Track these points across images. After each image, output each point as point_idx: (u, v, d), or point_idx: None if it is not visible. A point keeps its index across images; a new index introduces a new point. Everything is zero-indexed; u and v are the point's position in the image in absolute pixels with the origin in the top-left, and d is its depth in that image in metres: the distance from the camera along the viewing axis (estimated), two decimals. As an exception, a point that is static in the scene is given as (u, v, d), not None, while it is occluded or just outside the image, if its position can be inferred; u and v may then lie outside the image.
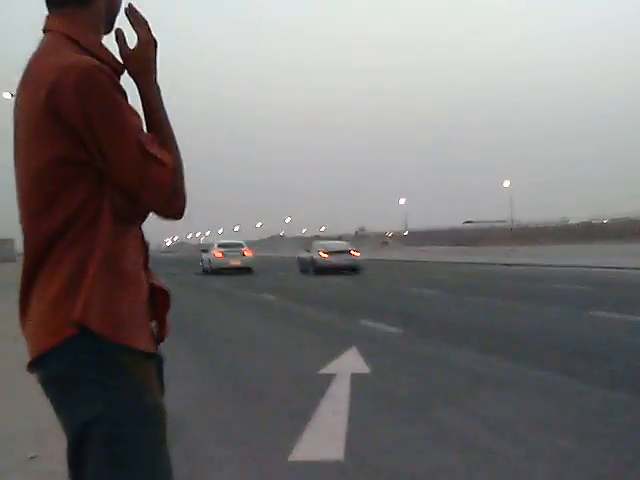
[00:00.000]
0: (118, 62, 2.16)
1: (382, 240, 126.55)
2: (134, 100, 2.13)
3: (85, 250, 2.02)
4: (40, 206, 2.04)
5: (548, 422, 6.29)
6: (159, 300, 2.21)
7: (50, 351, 2.01)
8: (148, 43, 2.17)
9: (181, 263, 56.48)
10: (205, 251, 42.61)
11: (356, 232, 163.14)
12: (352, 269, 36.44)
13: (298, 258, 41.25)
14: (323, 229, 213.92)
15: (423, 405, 7.06)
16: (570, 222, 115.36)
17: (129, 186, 2.03)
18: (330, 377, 8.41)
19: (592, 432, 5.92)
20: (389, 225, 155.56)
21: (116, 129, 2.00)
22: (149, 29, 2.18)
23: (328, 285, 28.02)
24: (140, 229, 2.19)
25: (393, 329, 13.00)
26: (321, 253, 36.96)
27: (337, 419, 6.46)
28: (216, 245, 41.08)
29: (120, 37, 2.18)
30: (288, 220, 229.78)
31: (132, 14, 2.17)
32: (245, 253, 39.98)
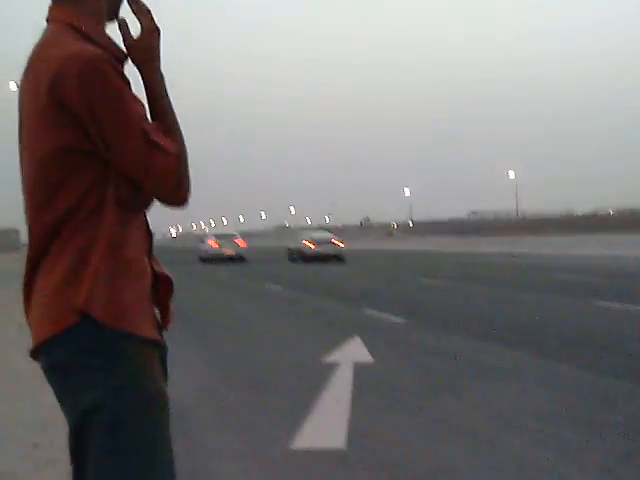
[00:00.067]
0: (122, 51, 2.15)
1: (387, 231, 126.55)
2: (138, 89, 2.14)
3: (88, 239, 2.02)
4: (44, 196, 2.05)
5: (551, 412, 6.30)
6: (162, 287, 2.21)
7: (52, 339, 2.02)
8: (151, 31, 2.17)
9: (186, 251, 56.88)
10: (202, 241, 45.25)
11: (361, 223, 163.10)
12: (336, 258, 38.28)
13: (287, 248, 43.59)
14: (328, 220, 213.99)
15: (426, 395, 7.08)
16: (575, 214, 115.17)
17: (134, 175, 2.03)
18: (333, 366, 8.43)
19: (594, 422, 5.93)
20: (394, 216, 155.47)
21: (119, 118, 2.00)
22: (152, 17, 2.17)
23: (333, 274, 28.04)
24: (145, 217, 2.19)
25: (397, 319, 13.02)
26: (307, 243, 39.32)
27: (339, 408, 6.48)
28: (212, 236, 44.42)
29: (123, 26, 2.18)
30: (292, 211, 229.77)
31: (135, 3, 2.17)
32: (238, 243, 42.61)
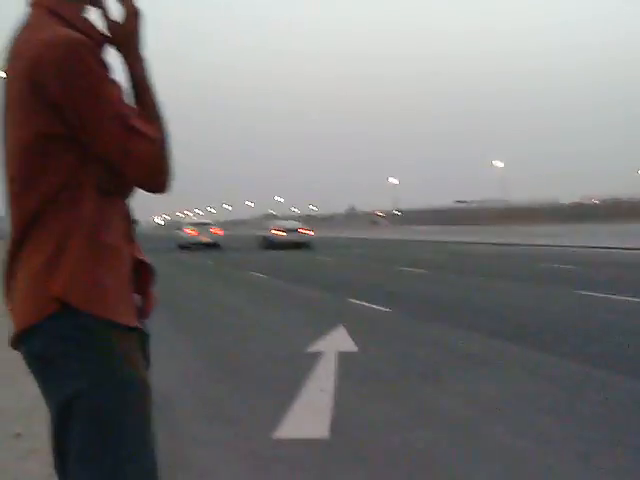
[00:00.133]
0: (102, 35, 2.14)
1: (372, 219, 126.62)
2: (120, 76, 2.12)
3: (66, 226, 2.02)
4: (25, 183, 2.04)
5: (531, 399, 6.35)
6: (143, 274, 2.21)
7: (32, 328, 2.02)
8: (133, 15, 2.16)
9: (172, 239, 56.82)
10: (181, 230, 48.77)
11: (347, 212, 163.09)
12: (303, 245, 41.24)
13: (258, 236, 46.29)
14: (314, 208, 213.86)
15: (409, 383, 7.11)
16: (561, 203, 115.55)
17: (112, 159, 2.02)
18: (317, 355, 8.45)
19: (574, 410, 5.99)
20: (380, 204, 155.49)
21: (98, 103, 1.99)
22: (133, 1, 2.16)
23: (319, 264, 28.06)
24: (125, 202, 2.18)
25: (381, 308, 13.05)
26: (276, 231, 42.42)
27: (323, 397, 6.50)
28: (189, 224, 48.28)
29: (104, 10, 2.17)
30: (279, 199, 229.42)
31: None
32: (214, 231, 46.41)
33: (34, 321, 2.02)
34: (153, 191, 2.12)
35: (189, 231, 45.94)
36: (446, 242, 46.57)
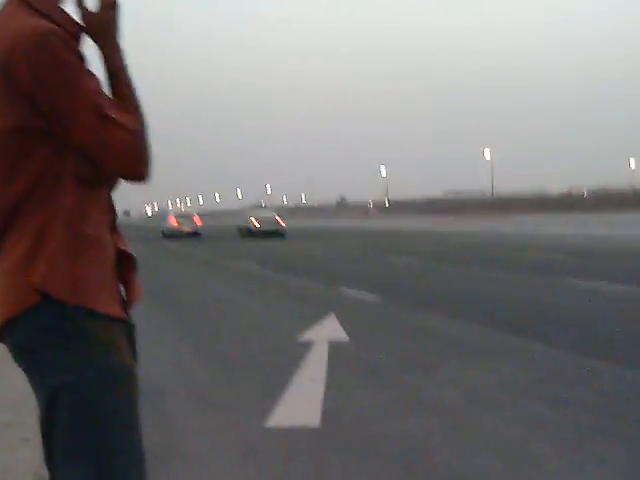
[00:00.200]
0: (77, 25, 2.10)
1: (363, 210, 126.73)
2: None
3: (46, 217, 2.00)
4: (2, 175, 2.02)
5: (522, 388, 6.35)
6: (125, 265, 2.18)
7: (14, 319, 2.00)
8: (109, 5, 2.12)
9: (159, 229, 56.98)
10: (165, 220, 51.80)
11: (337, 202, 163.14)
12: (278, 234, 43.77)
13: (237, 225, 49.15)
14: (304, 198, 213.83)
15: (400, 372, 7.10)
16: (550, 193, 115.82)
17: (88, 150, 1.99)
18: (308, 344, 8.44)
19: (565, 398, 5.98)
20: (370, 194, 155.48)
21: (71, 94, 1.96)
22: None
23: (309, 252, 28.06)
24: (107, 192, 2.15)
25: (372, 297, 13.05)
26: (253, 221, 45.27)
27: (314, 386, 6.49)
28: (171, 214, 51.96)
29: (80, 0, 2.14)
30: (269, 189, 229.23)
31: None
32: (195, 222, 49.40)
33: (16, 312, 2.00)
34: (132, 180, 2.10)
35: (172, 221, 48.95)
36: (436, 232, 46.63)
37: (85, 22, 2.12)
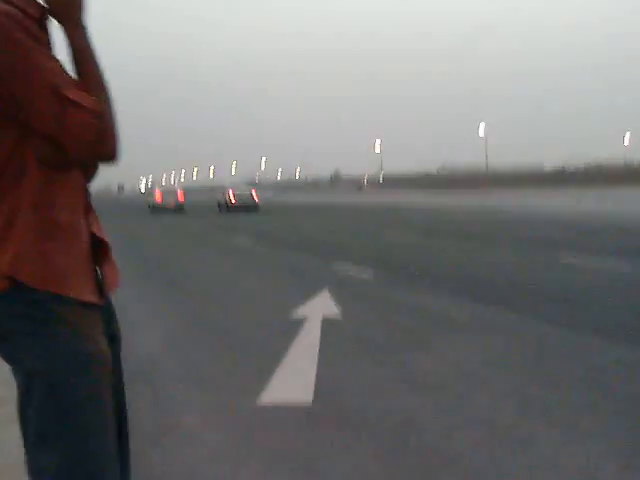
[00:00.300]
0: (37, 5, 2.04)
1: (357, 185, 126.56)
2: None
3: (12, 203, 1.97)
4: None
5: (514, 364, 6.36)
6: (98, 250, 2.14)
7: None
8: None
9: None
10: (151, 195, 56.26)
11: (331, 177, 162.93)
12: (253, 208, 47.64)
13: (217, 200, 52.85)
14: (298, 171, 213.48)
15: (393, 349, 7.10)
16: (544, 168, 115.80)
17: (48, 132, 1.95)
18: (301, 321, 8.43)
19: (558, 375, 6.00)
20: (364, 169, 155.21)
21: (26, 75, 1.91)
22: None
23: (302, 228, 28.04)
24: (79, 175, 2.10)
25: (366, 273, 13.05)
26: (231, 196, 49.31)
27: (307, 363, 6.48)
28: (157, 189, 56.02)
29: None
30: (262, 165, 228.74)
31: None
32: (178, 197, 52.40)
33: None
34: (98, 162, 2.06)
35: (157, 197, 52.65)
36: (431, 207, 46.62)
37: (47, 2, 2.06)
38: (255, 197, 49.73)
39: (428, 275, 12.79)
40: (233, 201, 48.89)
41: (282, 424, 4.97)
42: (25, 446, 2.06)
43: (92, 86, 2.01)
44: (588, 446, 4.45)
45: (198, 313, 9.57)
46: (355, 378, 6.07)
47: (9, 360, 2.04)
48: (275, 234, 25.61)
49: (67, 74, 2.00)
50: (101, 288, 2.12)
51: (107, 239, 2.19)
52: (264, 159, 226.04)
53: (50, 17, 2.07)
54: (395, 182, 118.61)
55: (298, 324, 8.22)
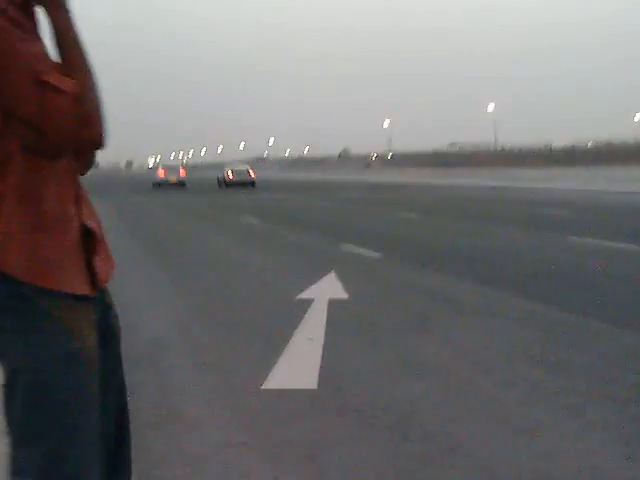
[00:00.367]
0: None
1: (366, 162, 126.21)
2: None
3: None
4: None
5: (522, 350, 6.32)
6: (88, 242, 2.08)
7: None
8: None
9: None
10: (154, 171, 61.53)
11: (339, 154, 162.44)
12: (250, 184, 50.94)
13: (217, 177, 56.02)
14: (307, 150, 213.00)
15: (399, 332, 7.07)
16: (553, 146, 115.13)
17: (28, 118, 1.90)
18: (308, 302, 8.41)
19: (564, 361, 5.96)
20: (374, 146, 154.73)
21: (5, 61, 1.87)
22: None
23: (309, 207, 27.98)
24: (69, 162, 2.05)
25: (374, 253, 13.01)
26: (228, 173, 52.89)
27: (312, 346, 6.46)
28: (160, 167, 60.75)
29: None
30: (271, 141, 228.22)
31: None
32: (181, 172, 57.19)
33: None
34: (84, 147, 2.01)
35: (160, 172, 56.91)
36: (439, 185, 46.49)
37: None
38: (252, 174, 52.88)
39: (436, 255, 12.75)
40: (231, 177, 52.26)
41: (286, 409, 4.95)
42: (8, 441, 2.03)
43: (75, 70, 1.96)
44: (592, 436, 4.43)
45: (203, 293, 9.53)
46: (360, 362, 6.04)
47: None
48: (282, 213, 25.53)
49: (49, 59, 1.96)
50: (94, 279, 2.07)
51: (100, 230, 2.13)
52: (272, 139, 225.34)
53: (34, 1, 2.02)
54: (404, 160, 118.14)
55: (305, 306, 8.20)
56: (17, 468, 1.97)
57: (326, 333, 6.93)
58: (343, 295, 8.91)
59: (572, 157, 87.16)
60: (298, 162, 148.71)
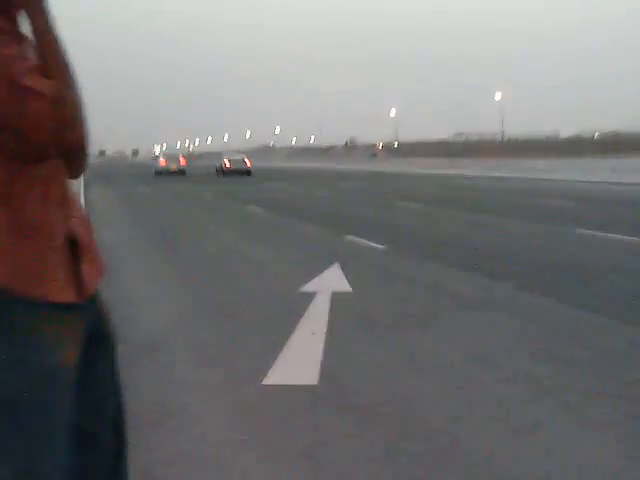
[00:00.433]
0: None
1: (372, 151, 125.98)
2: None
3: None
4: None
5: (524, 347, 6.29)
6: (74, 247, 2.02)
7: None
8: None
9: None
10: (156, 160, 64.63)
11: (346, 143, 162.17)
12: (245, 172, 54.00)
13: (215, 166, 58.87)
14: (313, 139, 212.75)
15: (401, 327, 7.04)
16: (560, 136, 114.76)
17: (7, 122, 1.85)
18: (311, 295, 8.39)
19: (567, 358, 5.92)
20: (379, 136, 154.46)
21: None
22: None
23: (313, 197, 27.94)
24: (54, 166, 2.00)
25: (377, 245, 12.98)
26: (226, 162, 55.66)
27: (314, 341, 6.44)
28: (162, 156, 65.74)
29: None
30: (278, 130, 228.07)
31: None
32: (181, 161, 60.99)
33: None
34: (66, 150, 1.95)
35: (161, 161, 60.79)
36: (445, 175, 46.39)
37: None
38: (248, 163, 55.97)
39: (442, 248, 12.71)
40: (228, 166, 55.15)
41: (286, 406, 4.94)
42: None
43: (55, 72, 1.91)
44: (593, 434, 4.40)
45: (206, 286, 9.51)
46: (362, 358, 6.01)
47: None
48: (286, 203, 25.49)
49: (27, 60, 1.91)
50: (80, 286, 2.01)
51: (89, 234, 2.08)
52: (278, 128, 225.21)
53: (12, 3, 1.98)
54: (410, 149, 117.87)
55: (308, 298, 8.18)
56: None
57: (328, 327, 6.90)
58: (347, 288, 8.88)
59: (579, 147, 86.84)
60: (304, 151, 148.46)
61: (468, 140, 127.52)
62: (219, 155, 62.07)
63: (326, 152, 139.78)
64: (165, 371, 5.77)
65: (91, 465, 2.10)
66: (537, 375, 5.50)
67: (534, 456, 4.09)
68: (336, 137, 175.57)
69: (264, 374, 5.52)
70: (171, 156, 64.31)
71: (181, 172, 57.79)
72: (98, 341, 2.09)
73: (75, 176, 2.11)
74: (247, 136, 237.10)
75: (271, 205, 23.53)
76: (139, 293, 9.14)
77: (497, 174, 44.39)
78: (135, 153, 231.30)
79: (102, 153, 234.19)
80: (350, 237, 14.25)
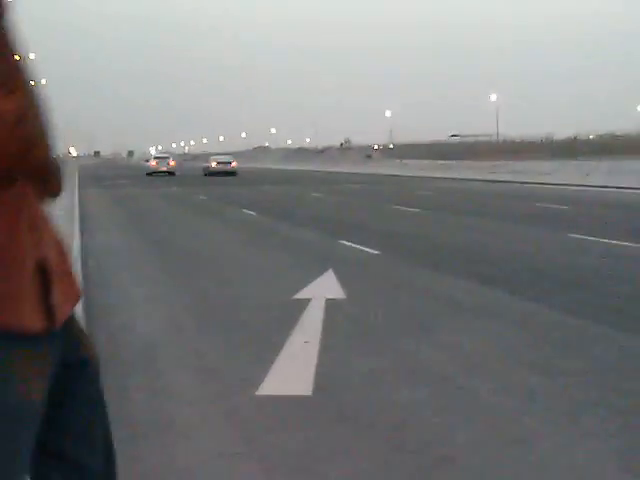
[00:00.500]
0: None
1: (366, 153, 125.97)
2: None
3: None
4: None
5: (519, 354, 6.28)
6: (44, 274, 1.88)
7: None
8: None
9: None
10: (147, 161, 69.38)
11: (341, 144, 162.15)
12: (231, 172, 57.94)
13: (202, 166, 63.63)
14: (308, 141, 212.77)
15: (395, 335, 7.02)
16: (555, 138, 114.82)
17: None
18: (305, 302, 8.37)
19: (561, 367, 5.91)
20: (375, 138, 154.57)
21: None
22: None
23: (308, 201, 27.91)
24: (24, 186, 1.87)
25: (372, 250, 12.96)
26: (212, 163, 59.94)
27: (308, 350, 6.42)
28: (152, 157, 69.82)
29: None
30: (273, 131, 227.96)
31: None
32: (170, 163, 63.46)
33: None
34: (30, 172, 1.82)
35: (152, 162, 64.10)
36: (439, 178, 46.39)
37: None
38: (233, 164, 60.20)
39: (436, 253, 12.70)
40: (214, 166, 59.18)
41: (280, 417, 4.91)
42: None
43: (15, 89, 1.79)
44: (588, 445, 4.39)
45: (199, 292, 9.47)
46: (356, 368, 5.99)
47: None
48: (280, 207, 25.46)
49: None
50: (51, 314, 1.87)
51: (63, 258, 1.96)
52: (273, 129, 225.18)
53: None
54: (406, 150, 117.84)
55: (302, 305, 8.16)
56: None
57: (322, 336, 6.88)
58: (341, 295, 8.86)
59: (573, 149, 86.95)
60: (299, 152, 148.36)
61: (464, 142, 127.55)
62: (215, 156, 65.48)
63: (321, 153, 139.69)
64: (159, 382, 5.74)
65: None
66: (531, 384, 5.48)
67: (529, 468, 4.08)
68: (332, 138, 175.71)
69: (257, 385, 5.49)
70: (161, 158, 67.18)
71: (170, 173, 61.25)
72: (78, 368, 2.01)
73: (53, 195, 2.00)
74: (243, 137, 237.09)
75: (264, 210, 23.47)
76: (133, 298, 9.10)
77: (490, 177, 44.38)
78: (130, 154, 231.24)
79: (97, 154, 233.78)
80: (344, 242, 14.22)
